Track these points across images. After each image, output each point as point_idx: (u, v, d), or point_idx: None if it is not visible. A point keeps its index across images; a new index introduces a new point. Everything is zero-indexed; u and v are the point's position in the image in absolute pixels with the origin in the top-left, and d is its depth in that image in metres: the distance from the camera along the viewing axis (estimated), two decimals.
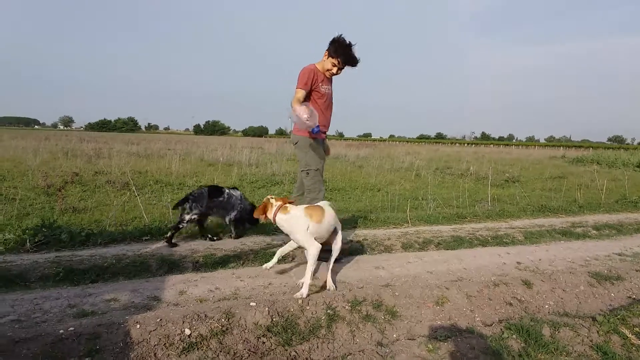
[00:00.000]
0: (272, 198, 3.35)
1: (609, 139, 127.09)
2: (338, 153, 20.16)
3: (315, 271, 3.60)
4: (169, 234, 4.36)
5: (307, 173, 4.00)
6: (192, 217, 4.44)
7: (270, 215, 3.28)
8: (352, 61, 3.94)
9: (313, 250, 3.20)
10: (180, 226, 4.43)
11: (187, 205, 4.44)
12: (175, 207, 4.62)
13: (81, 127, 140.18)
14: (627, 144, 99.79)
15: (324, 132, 4.11)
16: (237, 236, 4.71)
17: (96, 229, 4.66)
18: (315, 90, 3.93)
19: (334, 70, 3.95)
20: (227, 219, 4.66)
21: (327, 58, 3.92)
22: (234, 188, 4.79)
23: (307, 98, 3.93)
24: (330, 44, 3.89)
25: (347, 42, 3.88)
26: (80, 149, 16.37)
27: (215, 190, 4.59)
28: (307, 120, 3.59)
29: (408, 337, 2.89)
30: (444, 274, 3.92)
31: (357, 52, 3.94)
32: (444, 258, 4.42)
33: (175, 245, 4.31)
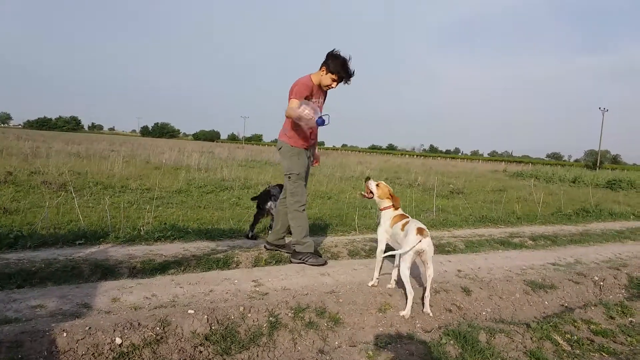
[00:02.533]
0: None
1: (548, 156, 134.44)
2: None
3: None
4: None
5: (289, 177, 4.12)
6: None
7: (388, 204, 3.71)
8: (347, 76, 4.00)
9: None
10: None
11: (271, 204, 4.90)
12: (254, 199, 5.20)
13: (19, 124, 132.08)
14: (564, 160, 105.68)
15: (314, 141, 4.36)
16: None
17: (27, 232, 4.36)
18: None
19: (334, 85, 4.03)
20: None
21: (326, 74, 3.97)
22: None
23: None
24: (328, 59, 3.95)
25: (344, 57, 3.94)
26: (16, 148, 15.41)
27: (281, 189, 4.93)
28: (311, 117, 3.71)
29: (350, 344, 2.88)
30: (387, 281, 3.94)
31: (352, 66, 4.00)
32: (388, 265, 4.46)
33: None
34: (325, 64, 3.97)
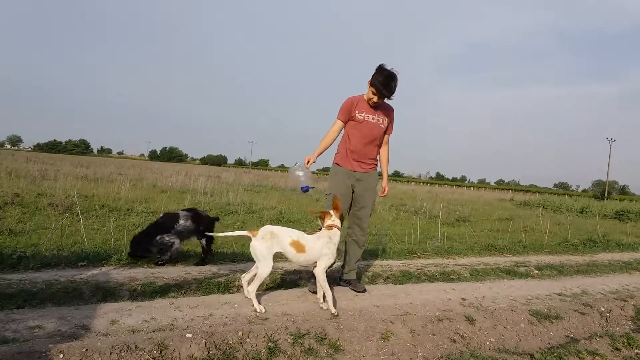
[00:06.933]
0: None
1: (555, 185, 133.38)
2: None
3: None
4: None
5: (326, 196, 4.20)
6: None
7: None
8: (386, 91, 3.79)
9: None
10: None
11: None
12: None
13: (29, 147, 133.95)
14: (572, 190, 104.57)
15: (367, 164, 4.21)
16: None
17: (30, 252, 4.39)
18: (351, 119, 4.02)
19: (375, 98, 3.86)
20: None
21: (369, 86, 3.86)
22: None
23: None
24: (374, 72, 3.80)
25: (389, 72, 3.76)
26: (25, 169, 15.57)
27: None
28: (300, 178, 3.98)
29: None
30: (390, 308, 3.90)
31: (396, 82, 3.79)
32: (391, 292, 4.41)
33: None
34: (372, 76, 3.83)
